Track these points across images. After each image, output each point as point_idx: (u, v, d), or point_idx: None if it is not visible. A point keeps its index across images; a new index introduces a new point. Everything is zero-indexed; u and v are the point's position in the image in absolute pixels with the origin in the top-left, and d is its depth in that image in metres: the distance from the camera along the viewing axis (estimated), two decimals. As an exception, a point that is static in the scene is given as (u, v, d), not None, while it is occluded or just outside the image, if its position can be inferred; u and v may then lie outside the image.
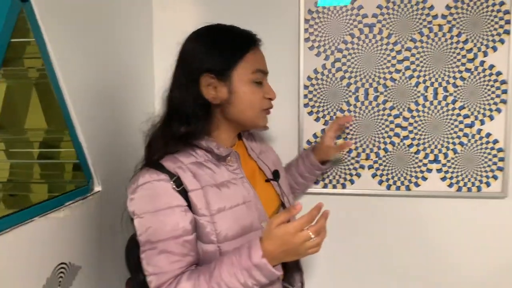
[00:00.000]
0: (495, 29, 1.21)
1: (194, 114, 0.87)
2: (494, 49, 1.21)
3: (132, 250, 0.89)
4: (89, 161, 0.96)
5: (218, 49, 0.88)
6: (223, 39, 0.89)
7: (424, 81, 1.24)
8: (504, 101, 1.22)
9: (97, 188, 1.01)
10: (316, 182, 1.31)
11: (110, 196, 1.05)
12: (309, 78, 1.28)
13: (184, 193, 0.82)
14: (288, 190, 1.09)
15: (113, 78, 1.11)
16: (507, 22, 1.20)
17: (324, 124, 1.29)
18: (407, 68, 1.25)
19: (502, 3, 1.19)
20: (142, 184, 0.81)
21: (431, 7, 1.22)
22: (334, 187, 1.31)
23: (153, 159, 0.85)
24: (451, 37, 1.22)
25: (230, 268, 0.78)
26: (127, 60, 1.20)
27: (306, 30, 1.27)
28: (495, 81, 1.22)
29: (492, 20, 1.20)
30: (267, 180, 1.00)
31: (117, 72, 1.13)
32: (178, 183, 0.82)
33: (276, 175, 1.01)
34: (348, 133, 1.29)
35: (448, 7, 1.22)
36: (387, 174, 1.29)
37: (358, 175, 1.30)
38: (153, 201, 0.81)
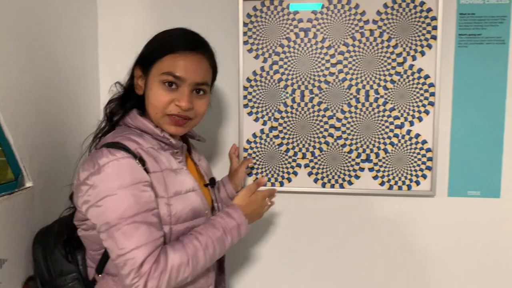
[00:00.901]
0: (423, 35, 1.26)
1: (129, 102, 0.97)
2: (422, 53, 1.27)
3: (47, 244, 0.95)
4: (18, 157, 1.00)
5: (150, 45, 0.96)
6: (160, 38, 0.96)
7: (357, 84, 1.30)
8: (432, 103, 1.28)
9: (28, 184, 1.05)
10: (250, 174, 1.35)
11: (44, 192, 1.09)
12: (248, 80, 1.33)
13: (146, 172, 0.87)
14: (219, 198, 1.17)
15: (51, 78, 1.14)
16: (434, 28, 1.25)
17: (263, 124, 1.34)
18: (340, 71, 1.30)
19: (429, 10, 1.25)
20: (106, 163, 0.82)
21: (363, 13, 1.28)
22: (273, 185, 1.35)
23: (111, 142, 0.87)
24: (382, 42, 1.28)
25: (215, 231, 0.89)
26: (68, 61, 1.23)
27: (245, 33, 1.32)
28: (423, 84, 1.27)
29: (420, 26, 1.26)
30: (206, 185, 1.06)
31: (56, 73, 1.17)
32: (142, 163, 0.87)
33: (212, 181, 1.09)
34: (286, 133, 1.34)
35: (378, 12, 1.27)
36: (322, 173, 1.34)
37: (295, 174, 1.34)
38: (123, 177, 0.81)
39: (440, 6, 1.24)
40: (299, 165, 1.34)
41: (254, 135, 1.35)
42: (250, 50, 1.32)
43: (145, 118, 0.94)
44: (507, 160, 1.28)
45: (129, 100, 0.97)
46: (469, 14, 1.26)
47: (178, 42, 0.94)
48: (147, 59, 0.93)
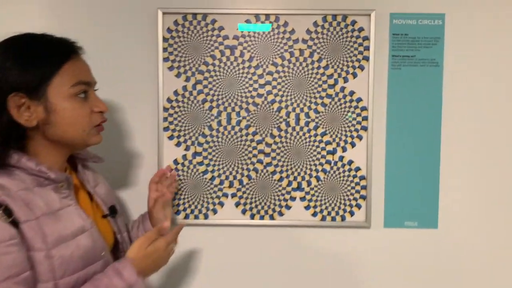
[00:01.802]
0: (355, 55, 1.19)
1: (6, 142, 0.76)
2: (354, 75, 1.19)
3: None
4: None
5: (26, 63, 0.77)
6: (33, 51, 0.78)
7: (286, 106, 1.20)
8: (365, 128, 1.20)
9: None
10: (177, 212, 1.22)
11: None
12: (169, 100, 1.21)
13: (15, 224, 0.71)
14: (125, 227, 1.01)
15: None
16: (367, 48, 1.19)
17: (185, 150, 1.21)
18: (269, 92, 1.20)
19: (361, 29, 1.18)
20: None
21: (292, 31, 1.19)
22: (196, 217, 1.22)
23: None
24: (312, 62, 1.19)
25: None
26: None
27: (165, 49, 1.20)
28: (356, 107, 1.19)
29: (352, 46, 1.19)
30: (104, 216, 0.91)
31: None
32: (8, 213, 0.70)
33: (113, 210, 0.94)
34: (211, 159, 1.22)
35: (308, 31, 1.19)
36: (251, 203, 1.22)
37: (221, 204, 1.22)
38: None
39: (372, 26, 1.17)
40: (225, 195, 1.22)
41: (176, 162, 1.22)
42: (171, 68, 1.20)
43: (18, 152, 0.78)
44: (444, 189, 1.21)
45: (11, 139, 0.77)
46: (402, 34, 1.20)
47: (63, 48, 0.81)
48: (34, 80, 0.76)
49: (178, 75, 1.20)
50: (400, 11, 1.19)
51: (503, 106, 1.21)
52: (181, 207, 1.22)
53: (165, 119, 1.21)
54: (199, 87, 1.20)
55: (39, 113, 0.77)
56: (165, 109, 1.21)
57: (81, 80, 0.81)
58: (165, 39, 1.20)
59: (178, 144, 1.21)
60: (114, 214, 0.94)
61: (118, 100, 1.21)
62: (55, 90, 0.78)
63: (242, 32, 1.19)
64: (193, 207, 1.22)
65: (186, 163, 1.21)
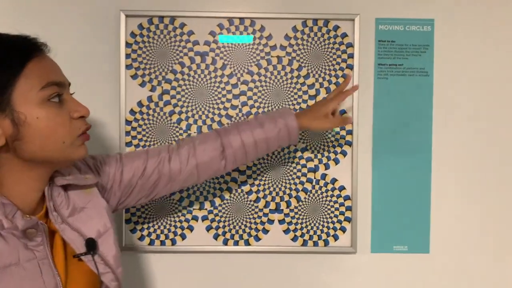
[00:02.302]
0: (338, 64, 1.09)
1: None
2: (337, 85, 1.09)
3: None
4: None
5: None
6: None
7: (263, 119, 1.09)
8: (349, 143, 1.09)
9: None
10: (141, 238, 1.09)
11: None
12: (132, 112, 1.08)
13: None
14: (117, 260, 0.75)
15: None
16: (350, 56, 1.08)
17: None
18: (244, 103, 1.09)
19: (344, 35, 1.08)
20: None
21: (269, 37, 1.08)
22: (162, 243, 1.09)
23: None
24: (291, 71, 1.09)
25: None
26: None
27: (128, 55, 1.07)
28: (339, 120, 1.09)
29: (334, 54, 1.09)
30: (76, 256, 0.70)
31: None
32: None
33: (91, 245, 0.71)
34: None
35: (287, 37, 1.08)
36: (224, 227, 1.09)
37: (190, 228, 1.09)
38: None
39: (356, 32, 1.08)
40: (195, 218, 1.09)
41: (140, 181, 1.09)
42: (134, 76, 1.08)
43: None
44: (436, 210, 1.11)
45: None
46: (389, 41, 1.10)
47: (24, 45, 0.66)
48: None
49: (142, 84, 1.08)
50: (386, 16, 1.10)
51: (500, 120, 1.11)
52: (145, 232, 1.09)
53: (128, 133, 1.08)
54: (166, 97, 1.08)
55: (6, 128, 0.62)
56: (128, 122, 1.08)
57: (52, 81, 0.65)
58: (128, 44, 1.07)
59: (142, 161, 1.08)
60: (92, 252, 0.70)
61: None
62: (21, 96, 0.62)
63: (214, 37, 1.08)
64: (158, 231, 1.09)
65: (151, 182, 1.08)
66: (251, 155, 0.92)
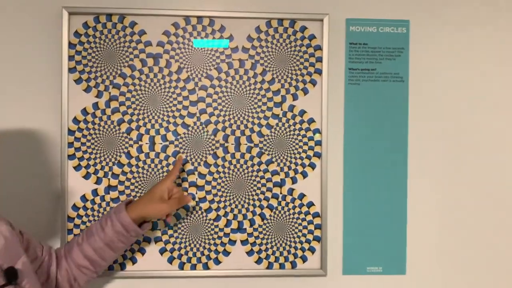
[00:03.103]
0: (306, 68, 0.99)
1: None
2: (305, 91, 0.99)
3: None
4: None
5: None
6: None
7: (224, 129, 0.98)
8: (318, 155, 0.99)
9: None
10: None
11: None
12: (76, 121, 0.96)
13: None
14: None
15: None
16: (319, 59, 0.99)
17: (96, 183, 0.96)
18: (203, 111, 0.98)
19: (312, 37, 0.99)
20: None
21: (231, 37, 0.98)
22: (110, 267, 0.96)
23: None
24: (255, 76, 0.99)
25: None
26: None
27: (71, 57, 0.96)
28: (307, 130, 0.99)
29: (301, 57, 0.99)
30: None
31: None
32: None
33: (11, 274, 0.66)
34: (129, 194, 0.97)
35: (250, 38, 0.98)
36: (180, 249, 0.98)
37: (142, 252, 0.97)
38: None
39: (325, 33, 0.98)
40: (147, 240, 0.97)
41: (84, 199, 0.96)
42: (78, 81, 0.96)
43: None
44: (412, 228, 1.02)
45: None
46: (361, 44, 1.02)
47: None
48: None
49: (87, 90, 0.96)
50: (358, 16, 1.01)
51: (482, 128, 1.03)
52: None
53: (71, 144, 0.96)
54: (114, 104, 0.97)
55: None
56: (71, 132, 0.96)
57: None
58: (71, 45, 0.96)
59: (86, 176, 0.96)
60: (13, 281, 0.66)
61: (10, 120, 0.96)
62: None
63: (168, 37, 0.97)
64: (106, 255, 0.97)
65: (97, 199, 0.96)
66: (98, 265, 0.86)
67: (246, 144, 0.98)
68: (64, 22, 0.95)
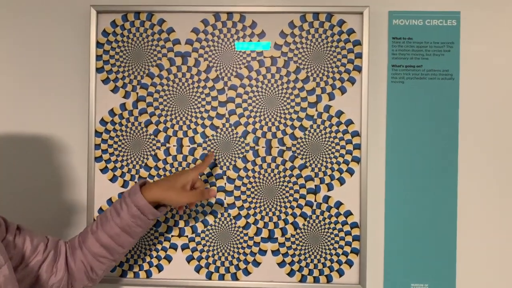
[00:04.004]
0: (343, 65, 0.91)
1: None
2: (343, 90, 0.91)
3: None
4: None
5: None
6: None
7: (254, 131, 0.92)
8: (357, 159, 0.91)
9: None
10: (112, 269, 0.93)
11: None
12: (103, 123, 0.94)
13: None
14: None
15: None
16: (358, 56, 0.91)
17: (123, 186, 0.93)
18: (232, 112, 0.92)
19: (351, 31, 0.91)
20: None
21: (262, 34, 0.92)
22: (136, 275, 0.93)
23: None
24: (288, 74, 0.92)
25: None
26: None
27: (99, 57, 0.93)
28: (345, 132, 0.91)
29: (339, 53, 0.91)
30: None
31: None
32: None
33: None
34: (155, 199, 0.93)
35: (283, 34, 0.92)
36: (208, 258, 0.93)
37: (169, 259, 0.93)
38: None
39: (365, 27, 0.90)
40: (174, 246, 0.93)
41: (110, 202, 0.93)
42: (106, 81, 0.94)
43: None
44: (462, 240, 0.91)
45: None
46: (405, 38, 0.93)
47: None
48: None
49: (115, 90, 0.94)
50: (401, 8, 0.92)
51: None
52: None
53: (98, 146, 0.93)
54: (141, 105, 0.93)
55: None
56: (98, 134, 0.93)
57: None
58: (99, 44, 0.93)
59: (113, 179, 0.93)
60: None
61: (37, 122, 0.95)
62: None
63: (197, 35, 0.93)
64: (131, 261, 0.93)
65: (124, 203, 0.93)
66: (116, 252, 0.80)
67: (278, 147, 0.92)
68: (92, 21, 0.92)
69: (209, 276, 0.92)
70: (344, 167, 0.91)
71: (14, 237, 0.72)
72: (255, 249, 0.92)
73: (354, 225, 0.91)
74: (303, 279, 0.91)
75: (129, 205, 0.77)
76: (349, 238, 0.91)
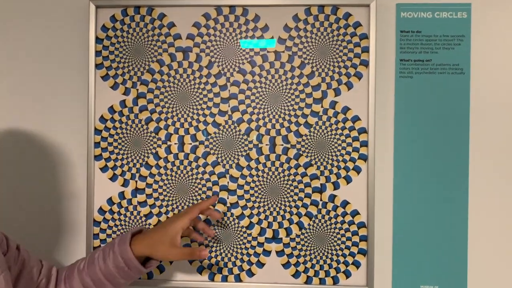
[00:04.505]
0: (350, 59, 0.88)
1: None
2: (349, 85, 0.88)
3: None
4: None
5: None
6: None
7: (258, 128, 0.89)
8: (364, 157, 0.88)
9: None
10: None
11: None
12: (102, 120, 0.91)
13: None
14: None
15: None
16: (365, 50, 0.88)
17: (123, 185, 0.91)
18: (235, 109, 0.90)
19: (357, 25, 0.88)
20: None
21: (265, 28, 0.89)
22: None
23: None
24: (292, 69, 0.89)
25: None
26: None
27: (98, 52, 0.91)
28: (352, 129, 0.88)
29: (345, 47, 0.88)
30: None
31: None
32: None
33: None
34: (157, 198, 0.91)
35: (287, 28, 0.89)
36: (210, 258, 0.90)
37: (171, 261, 0.91)
38: None
39: (372, 20, 0.87)
40: (175, 246, 0.91)
41: (111, 202, 0.91)
42: (105, 77, 0.91)
43: None
44: (474, 240, 0.88)
45: None
46: (414, 32, 0.89)
47: None
48: None
49: (114, 87, 0.91)
50: (410, 0, 0.89)
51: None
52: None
53: (97, 144, 0.91)
54: (141, 102, 0.91)
55: None
56: (97, 131, 0.91)
57: None
58: (98, 40, 0.91)
59: (113, 178, 0.91)
60: None
61: (35, 119, 0.93)
62: None
63: (198, 29, 0.90)
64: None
65: (124, 203, 0.91)
66: None
67: (282, 145, 0.89)
68: (91, 16, 0.90)
69: (211, 277, 0.90)
70: (350, 165, 0.88)
71: (13, 257, 0.70)
72: (259, 250, 0.89)
73: (361, 225, 0.88)
74: (308, 281, 0.89)
75: (116, 254, 0.74)
76: (356, 239, 0.88)
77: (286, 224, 0.89)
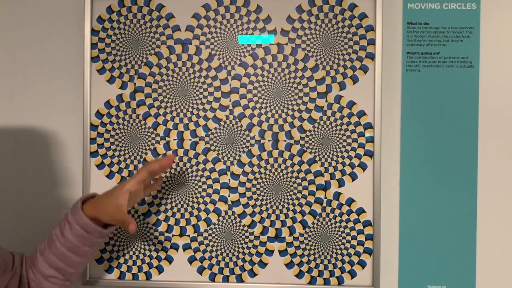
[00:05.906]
0: (355, 52, 0.85)
1: None
2: (354, 79, 0.85)
3: None
4: None
5: None
6: None
7: (260, 123, 0.86)
8: (369, 153, 0.85)
9: None
10: (109, 270, 0.88)
11: None
12: (99, 115, 0.88)
13: None
14: None
15: None
16: (371, 42, 0.85)
17: (120, 182, 0.88)
18: (236, 103, 0.87)
19: (363, 16, 0.85)
20: None
21: (267, 19, 0.86)
22: (135, 276, 0.88)
23: None
24: (296, 62, 0.86)
25: None
26: None
27: (94, 45, 0.88)
28: (357, 124, 0.85)
29: (350, 40, 0.85)
30: None
31: None
32: None
33: None
34: (155, 196, 0.88)
35: (290, 19, 0.86)
36: (211, 258, 0.87)
37: (169, 260, 0.87)
38: None
39: (378, 11, 0.84)
40: (175, 247, 0.87)
41: (107, 199, 0.88)
42: (101, 71, 0.88)
43: None
44: (483, 239, 0.85)
45: None
46: (421, 23, 0.87)
47: None
48: None
49: (111, 80, 0.88)
50: (417, -9, 0.87)
51: None
52: (114, 263, 0.88)
53: (93, 140, 0.88)
54: (139, 96, 0.88)
55: None
56: (93, 127, 0.88)
57: None
58: (94, 32, 0.88)
59: (110, 175, 0.88)
60: None
61: (29, 114, 0.89)
62: None
63: (198, 21, 0.87)
64: (130, 262, 0.88)
65: (121, 201, 0.88)
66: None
67: (285, 140, 0.86)
68: (87, 6, 0.86)
69: (212, 278, 0.87)
70: (356, 161, 0.85)
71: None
72: (261, 249, 0.86)
73: (367, 224, 0.85)
74: (312, 281, 0.86)
75: (72, 224, 0.71)
76: (361, 237, 0.85)
77: (289, 222, 0.86)
